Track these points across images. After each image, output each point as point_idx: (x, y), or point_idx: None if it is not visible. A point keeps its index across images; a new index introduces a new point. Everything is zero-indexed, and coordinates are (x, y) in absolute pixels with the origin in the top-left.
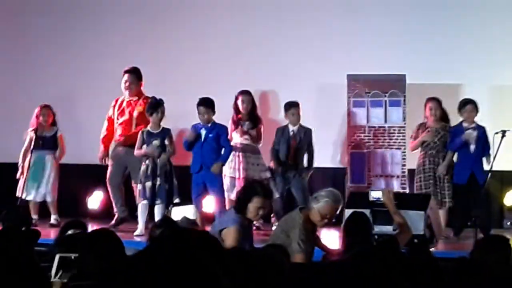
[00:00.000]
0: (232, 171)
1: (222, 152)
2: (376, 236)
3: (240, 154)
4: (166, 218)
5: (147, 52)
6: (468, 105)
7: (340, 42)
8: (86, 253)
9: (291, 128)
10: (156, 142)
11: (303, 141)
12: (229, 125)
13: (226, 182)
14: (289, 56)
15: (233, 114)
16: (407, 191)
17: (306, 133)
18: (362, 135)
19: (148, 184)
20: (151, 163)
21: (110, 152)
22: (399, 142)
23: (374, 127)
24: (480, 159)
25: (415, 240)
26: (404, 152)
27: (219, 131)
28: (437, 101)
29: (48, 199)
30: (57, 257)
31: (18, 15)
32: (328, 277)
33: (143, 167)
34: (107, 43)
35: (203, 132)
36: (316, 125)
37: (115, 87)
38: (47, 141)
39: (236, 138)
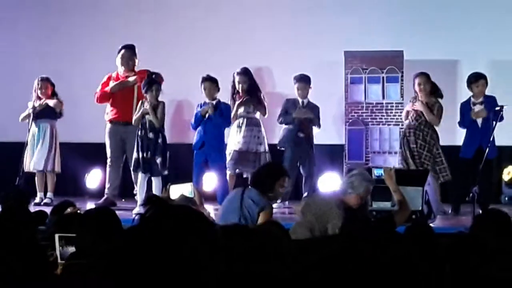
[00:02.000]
0: (238, 144)
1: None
2: (374, 212)
3: (245, 127)
4: (151, 196)
5: (146, 29)
6: (481, 80)
7: (337, 18)
8: (84, 232)
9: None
10: (148, 116)
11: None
12: (230, 102)
13: (234, 156)
14: (286, 33)
15: (231, 92)
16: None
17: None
18: (360, 111)
19: (139, 155)
20: (142, 135)
21: (107, 131)
22: (397, 119)
23: (372, 103)
24: (488, 132)
25: (413, 216)
26: (402, 128)
27: (223, 110)
28: (425, 75)
29: (48, 167)
30: (56, 237)
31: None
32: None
33: (137, 138)
34: (104, 20)
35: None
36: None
37: (112, 64)
38: (43, 110)
39: (241, 110)
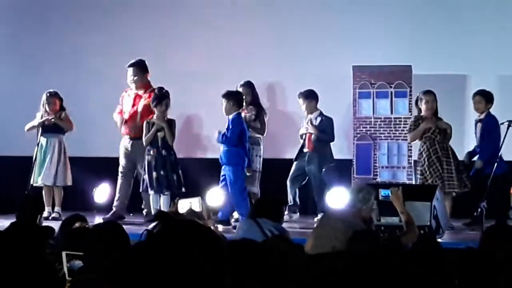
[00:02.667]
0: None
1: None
2: (382, 227)
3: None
4: (160, 212)
5: (155, 44)
6: (476, 97)
7: (346, 33)
8: (92, 246)
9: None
10: (160, 134)
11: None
12: None
13: None
14: (295, 48)
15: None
16: (413, 182)
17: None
18: (368, 126)
19: (154, 174)
20: (155, 154)
21: (120, 145)
22: (405, 133)
23: (380, 118)
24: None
25: (421, 231)
26: (410, 143)
27: (230, 123)
28: (433, 94)
29: (56, 182)
30: (64, 254)
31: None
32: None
33: (148, 158)
34: (114, 37)
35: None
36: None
37: (121, 80)
38: (51, 125)
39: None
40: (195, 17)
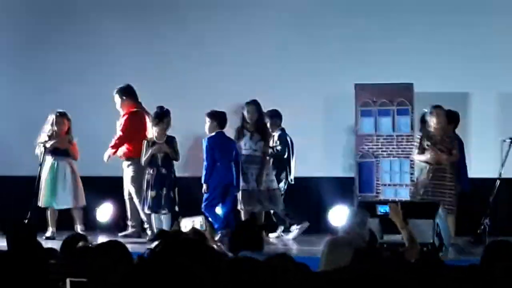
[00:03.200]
0: (244, 184)
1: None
2: (385, 245)
3: (245, 165)
4: (161, 231)
5: (156, 62)
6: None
7: (347, 51)
8: (95, 264)
9: None
10: (160, 154)
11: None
12: (235, 133)
13: (244, 195)
14: (296, 66)
15: (240, 123)
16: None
17: None
18: (370, 144)
19: (152, 193)
20: (155, 173)
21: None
22: (408, 151)
23: (382, 135)
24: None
25: (425, 249)
26: (413, 160)
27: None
28: (442, 108)
29: (78, 204)
30: (68, 282)
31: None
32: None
33: (147, 177)
34: (113, 55)
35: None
36: (324, 134)
37: None
38: (60, 150)
39: (243, 149)
40: (193, 35)
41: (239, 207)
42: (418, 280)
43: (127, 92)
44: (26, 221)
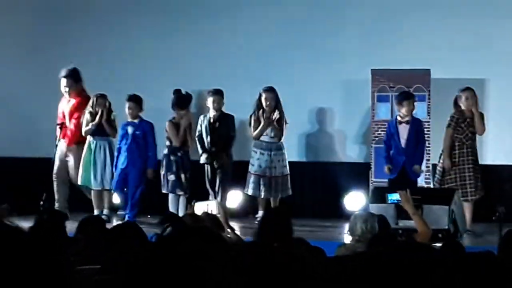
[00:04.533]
0: (258, 168)
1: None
2: (400, 231)
3: (262, 151)
4: (170, 215)
5: (150, 49)
6: (408, 100)
7: (364, 36)
8: (110, 247)
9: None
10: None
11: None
12: (252, 123)
13: (251, 179)
14: (313, 52)
15: (255, 111)
16: (431, 185)
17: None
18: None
19: (172, 176)
20: (174, 156)
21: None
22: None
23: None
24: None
25: (440, 235)
26: (429, 146)
27: (145, 128)
28: (472, 90)
29: (107, 186)
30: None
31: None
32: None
33: (165, 160)
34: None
35: (129, 129)
36: (340, 120)
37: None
38: (99, 130)
39: (262, 136)
40: (207, 21)
41: (251, 193)
42: (436, 265)
43: (80, 76)
44: (42, 202)
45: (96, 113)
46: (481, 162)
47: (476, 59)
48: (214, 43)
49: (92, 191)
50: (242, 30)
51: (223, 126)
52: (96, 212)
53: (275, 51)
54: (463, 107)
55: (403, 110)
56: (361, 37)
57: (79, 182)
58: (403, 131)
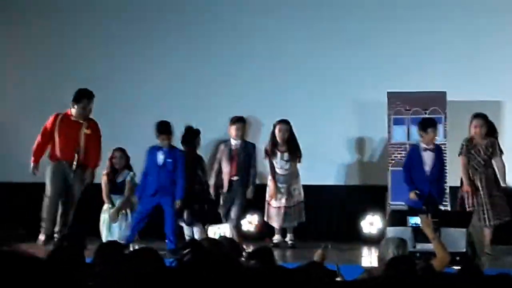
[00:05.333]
0: (277, 202)
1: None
2: (418, 254)
3: (279, 185)
4: (190, 241)
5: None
6: (431, 127)
7: (380, 59)
8: (128, 273)
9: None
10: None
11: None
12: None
13: (271, 212)
14: (329, 74)
15: (269, 143)
16: (449, 208)
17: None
18: (403, 152)
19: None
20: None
21: (50, 168)
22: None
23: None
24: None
25: (457, 258)
26: (445, 168)
27: (176, 156)
28: (482, 117)
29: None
30: None
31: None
32: None
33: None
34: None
35: (160, 156)
36: (356, 143)
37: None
38: (118, 185)
39: (277, 169)
40: (214, 48)
41: (269, 221)
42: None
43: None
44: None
45: (115, 169)
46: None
47: (492, 81)
48: (228, 67)
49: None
50: (250, 48)
51: (246, 155)
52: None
53: (290, 74)
54: (473, 134)
55: (428, 138)
56: (377, 59)
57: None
58: (428, 158)
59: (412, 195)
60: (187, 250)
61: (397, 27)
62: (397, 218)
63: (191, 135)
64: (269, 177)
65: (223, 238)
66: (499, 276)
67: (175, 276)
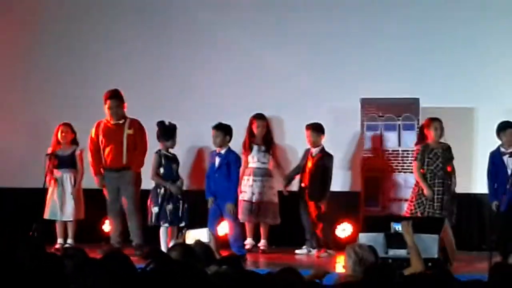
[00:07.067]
0: (248, 195)
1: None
2: (390, 260)
3: (255, 178)
4: (155, 249)
5: (159, 75)
6: (509, 129)
7: (353, 65)
8: (99, 278)
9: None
10: (179, 184)
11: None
12: (240, 150)
13: (243, 206)
14: (302, 80)
15: (245, 138)
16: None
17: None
18: (376, 158)
19: (169, 207)
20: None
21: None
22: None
23: (388, 150)
24: None
25: (429, 264)
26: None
27: (230, 159)
28: (440, 121)
29: (68, 218)
30: None
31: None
32: None
33: (161, 191)
34: (113, 66)
35: (216, 159)
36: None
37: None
38: (64, 160)
39: (251, 162)
40: (199, 47)
41: (242, 219)
42: None
43: (123, 98)
44: (31, 233)
45: (59, 142)
46: (470, 191)
47: (465, 88)
48: (206, 70)
49: (57, 222)
50: (228, 57)
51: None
52: (59, 241)
53: (263, 80)
54: (432, 136)
55: (504, 140)
56: (350, 66)
57: (47, 216)
58: (510, 162)
59: (494, 206)
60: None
61: (370, 34)
62: (370, 224)
63: (169, 131)
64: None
65: (197, 243)
66: (471, 282)
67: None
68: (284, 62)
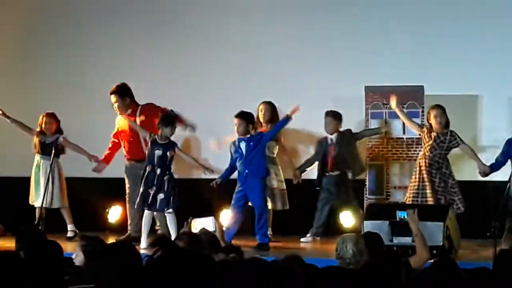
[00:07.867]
0: None
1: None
2: (394, 248)
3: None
4: (161, 237)
5: (169, 64)
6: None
7: (358, 53)
8: (104, 266)
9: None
10: (158, 152)
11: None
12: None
13: None
14: (307, 69)
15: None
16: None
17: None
18: (381, 146)
19: (150, 191)
20: (151, 172)
21: (125, 169)
22: (418, 154)
23: (392, 138)
24: None
25: (434, 251)
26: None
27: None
28: (441, 108)
29: (56, 205)
30: None
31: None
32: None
33: (144, 174)
34: (124, 54)
35: (242, 145)
36: None
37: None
38: (47, 147)
39: None
40: (205, 37)
41: None
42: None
43: (127, 92)
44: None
45: (43, 132)
46: (475, 178)
47: (469, 75)
48: (212, 58)
49: (37, 210)
50: (235, 46)
51: None
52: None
53: (268, 68)
54: (433, 125)
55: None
56: (354, 53)
57: (31, 202)
58: None
59: None
60: (156, 248)
61: (375, 21)
62: (374, 211)
63: (167, 118)
64: None
65: (202, 232)
66: (477, 270)
67: (147, 273)
68: (287, 50)
